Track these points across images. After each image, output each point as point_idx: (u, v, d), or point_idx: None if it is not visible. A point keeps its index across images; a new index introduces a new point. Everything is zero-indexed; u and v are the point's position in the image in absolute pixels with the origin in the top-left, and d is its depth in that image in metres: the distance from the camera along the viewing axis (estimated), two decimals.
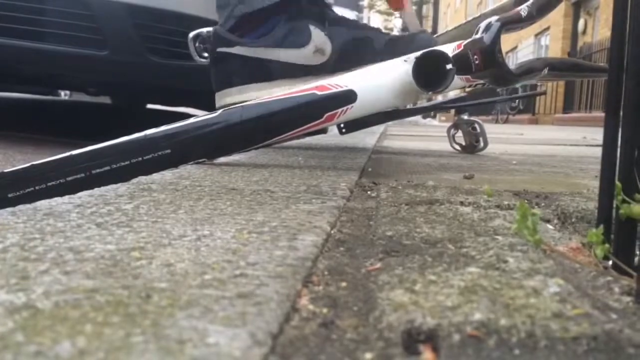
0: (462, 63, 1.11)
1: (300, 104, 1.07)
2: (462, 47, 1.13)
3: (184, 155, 1.03)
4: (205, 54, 1.50)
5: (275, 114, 1.07)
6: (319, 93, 1.08)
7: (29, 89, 5.39)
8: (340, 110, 1.09)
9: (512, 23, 1.18)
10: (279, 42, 1.43)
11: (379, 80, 1.13)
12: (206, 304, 0.33)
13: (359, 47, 1.48)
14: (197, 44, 1.51)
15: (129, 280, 0.37)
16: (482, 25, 1.13)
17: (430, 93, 1.14)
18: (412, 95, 1.16)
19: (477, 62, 1.11)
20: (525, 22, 1.24)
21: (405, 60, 1.12)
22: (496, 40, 1.11)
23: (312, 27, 1.44)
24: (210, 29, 1.50)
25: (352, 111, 1.11)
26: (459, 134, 1.85)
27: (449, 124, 1.96)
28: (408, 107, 1.89)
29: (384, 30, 1.62)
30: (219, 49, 1.43)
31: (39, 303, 0.32)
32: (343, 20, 1.53)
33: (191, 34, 1.51)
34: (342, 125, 1.54)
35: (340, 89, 1.09)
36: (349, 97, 1.09)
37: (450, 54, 1.12)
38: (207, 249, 0.45)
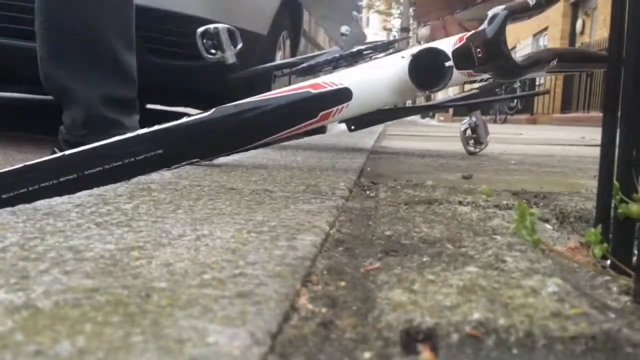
0: (463, 57, 1.07)
1: (294, 101, 1.04)
2: (465, 40, 1.10)
3: (177, 155, 1.01)
4: (213, 50, 1.50)
5: (269, 113, 1.03)
6: (313, 91, 1.05)
7: (28, 89, 5.37)
8: (335, 109, 1.06)
9: (518, 12, 1.15)
10: None
11: (374, 78, 1.10)
12: (205, 304, 0.33)
13: None
14: (204, 40, 1.50)
15: (128, 279, 0.37)
16: (488, 15, 1.10)
17: (427, 92, 1.12)
18: (409, 93, 1.13)
19: (480, 55, 1.08)
20: (534, 11, 1.20)
21: (402, 57, 1.10)
22: (501, 31, 1.08)
23: None
24: (217, 25, 1.49)
25: (348, 110, 1.07)
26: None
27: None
28: (415, 104, 1.86)
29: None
30: None
31: (39, 302, 0.32)
32: None
33: (199, 31, 1.50)
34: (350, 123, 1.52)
35: (335, 87, 1.06)
36: (344, 95, 1.06)
37: (451, 48, 1.08)
38: (206, 248, 0.45)
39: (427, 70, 1.07)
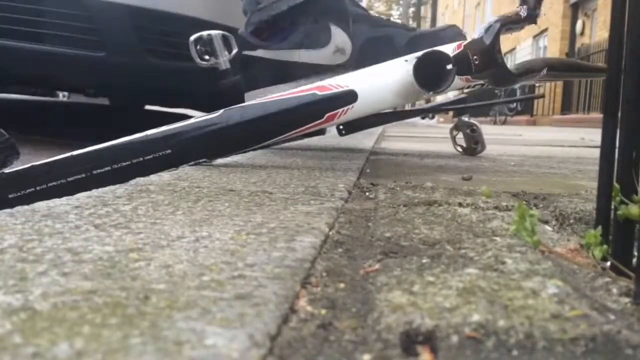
0: (462, 63, 1.12)
1: (300, 104, 1.08)
2: (462, 48, 1.14)
3: (185, 155, 1.04)
4: (207, 57, 1.51)
5: (276, 114, 1.07)
6: (320, 93, 1.09)
7: (27, 90, 5.38)
8: (340, 110, 1.10)
9: (511, 23, 1.20)
10: (299, 44, 1.44)
11: (379, 80, 1.14)
12: (204, 306, 0.33)
13: (381, 45, 1.48)
14: (198, 47, 1.51)
15: (127, 281, 0.37)
16: (483, 26, 1.14)
17: (431, 93, 1.15)
18: (412, 95, 1.17)
19: (477, 62, 1.12)
20: (525, 23, 1.25)
21: (406, 60, 1.13)
22: (496, 40, 1.12)
23: (333, 27, 1.45)
24: (211, 32, 1.50)
25: (353, 111, 1.11)
26: (460, 135, 1.84)
27: (448, 126, 1.97)
28: (407, 108, 1.90)
29: (410, 26, 1.63)
30: (244, 52, 1.45)
31: (37, 304, 0.32)
32: (366, 17, 1.53)
33: (192, 38, 1.51)
34: (341, 127, 1.55)
35: (340, 89, 1.10)
36: (349, 97, 1.10)
37: (450, 55, 1.12)
38: (205, 250, 0.45)
39: (431, 71, 1.10)
